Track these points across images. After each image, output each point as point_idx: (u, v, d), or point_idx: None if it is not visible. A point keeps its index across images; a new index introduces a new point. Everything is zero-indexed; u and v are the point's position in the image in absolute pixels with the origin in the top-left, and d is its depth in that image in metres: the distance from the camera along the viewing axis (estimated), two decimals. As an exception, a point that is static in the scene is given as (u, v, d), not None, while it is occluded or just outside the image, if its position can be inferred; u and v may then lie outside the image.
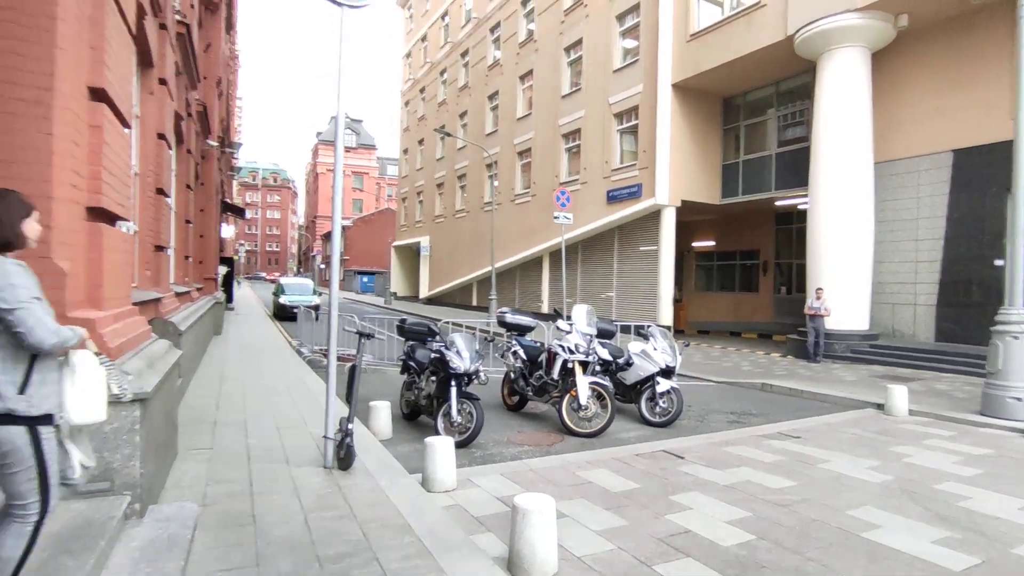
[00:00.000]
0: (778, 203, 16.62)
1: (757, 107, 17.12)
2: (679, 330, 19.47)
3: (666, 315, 16.98)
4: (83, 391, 2.30)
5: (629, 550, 3.57)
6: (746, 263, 19.97)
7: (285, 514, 3.81)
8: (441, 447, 4.62)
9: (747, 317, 19.35)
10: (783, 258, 18.64)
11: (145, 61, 6.38)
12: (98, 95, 3.89)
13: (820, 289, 12.57)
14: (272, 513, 3.82)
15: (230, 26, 23.28)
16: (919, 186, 13.03)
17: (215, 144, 16.58)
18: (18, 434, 2.06)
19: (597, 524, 3.97)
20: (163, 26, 7.64)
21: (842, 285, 12.72)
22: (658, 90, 17.00)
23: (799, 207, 15.42)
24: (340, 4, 4.98)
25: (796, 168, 14.96)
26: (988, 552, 3.61)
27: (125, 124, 4.58)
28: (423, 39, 36.57)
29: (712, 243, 20.68)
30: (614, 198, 18.87)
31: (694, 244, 21.22)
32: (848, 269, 12.72)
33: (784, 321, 17.33)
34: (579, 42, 21.10)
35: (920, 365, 11.35)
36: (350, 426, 4.83)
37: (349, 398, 5.03)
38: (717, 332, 19.50)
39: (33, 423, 2.10)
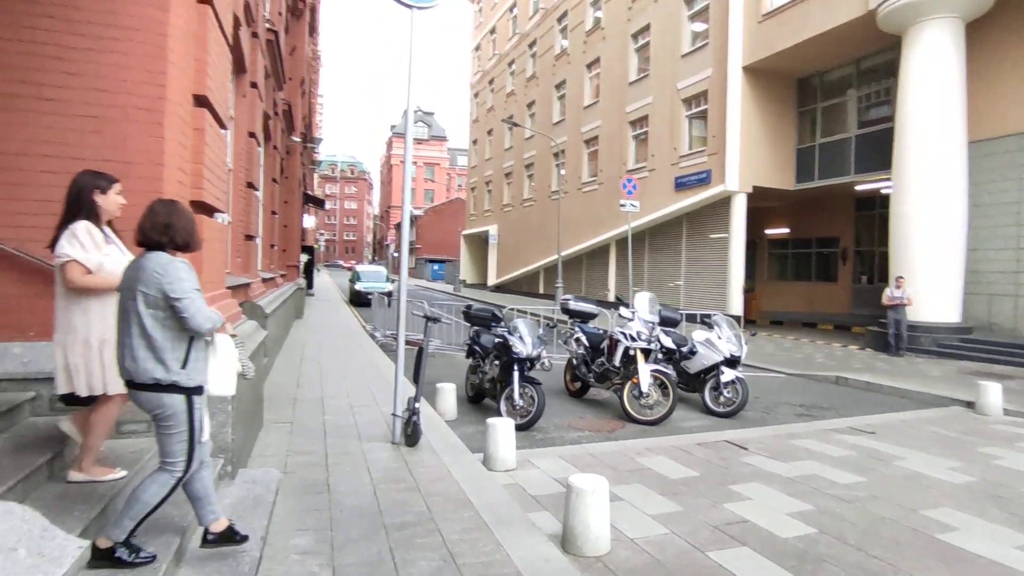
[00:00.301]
0: (858, 187, 15.73)
1: (835, 87, 16.22)
2: (751, 320, 18.86)
3: (736, 304, 16.50)
4: (222, 368, 2.68)
5: (683, 535, 3.63)
6: (823, 251, 19.01)
7: (356, 485, 4.12)
8: (502, 428, 4.81)
9: (823, 308, 18.46)
10: (864, 245, 17.63)
11: (239, 67, 6.90)
12: (201, 101, 4.30)
13: (901, 278, 11.85)
14: (344, 483, 4.13)
15: (313, 29, 24.37)
16: (1021, 166, 12.00)
17: (298, 140, 17.50)
18: (179, 401, 2.44)
19: (652, 509, 4.04)
20: (255, 35, 8.19)
21: (929, 274, 11.94)
22: (728, 74, 16.43)
23: (882, 191, 14.53)
24: (409, 6, 5.20)
25: (879, 150, 14.10)
26: (1075, 558, 3.42)
27: (222, 126, 5.01)
28: (492, 31, 36.80)
29: (786, 230, 19.81)
30: (682, 185, 18.44)
31: (767, 231, 20.39)
32: (936, 257, 11.92)
33: (863, 312, 16.40)
34: (647, 28, 20.66)
35: (1020, 362, 10.52)
36: (417, 405, 5.11)
37: (416, 379, 5.31)
38: (791, 323, 18.73)
39: (190, 393, 2.48)
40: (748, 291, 18.89)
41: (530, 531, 3.47)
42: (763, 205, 18.86)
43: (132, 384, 2.45)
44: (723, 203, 17.01)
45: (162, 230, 2.48)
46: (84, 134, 3.60)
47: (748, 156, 16.35)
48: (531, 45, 30.67)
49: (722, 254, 17.07)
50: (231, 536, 2.75)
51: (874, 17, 12.89)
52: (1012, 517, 4.02)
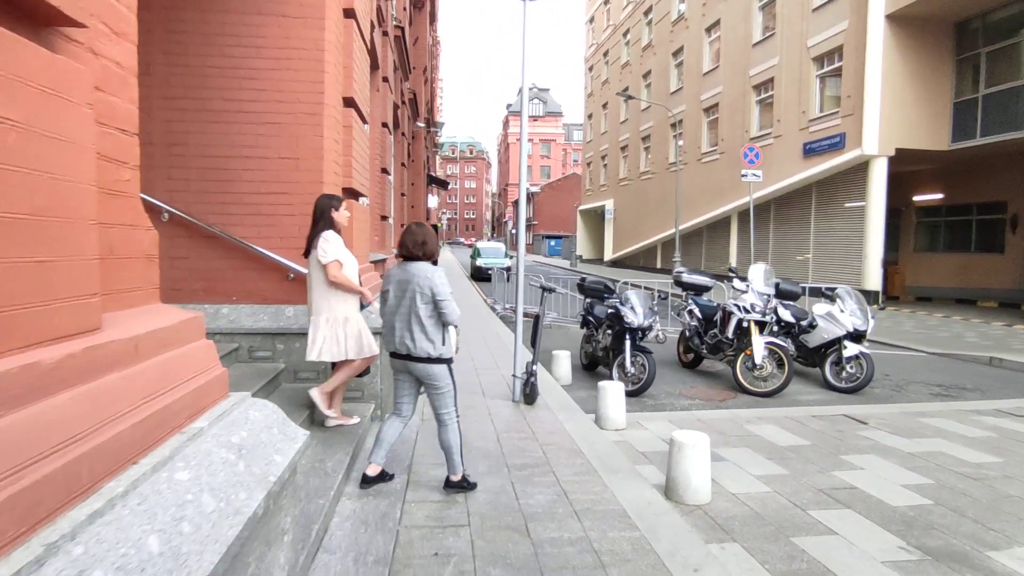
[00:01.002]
0: (1033, 144, 13.81)
1: (1004, 28, 14.19)
2: (893, 296, 17.41)
3: (873, 279, 15.30)
4: (454, 343, 3.61)
5: (785, 495, 3.80)
6: (986, 218, 16.90)
7: (482, 432, 4.70)
8: (612, 390, 5.17)
9: (984, 283, 16.49)
10: (1040, 211, 15.49)
11: (373, 65, 7.67)
12: (348, 103, 5.01)
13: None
14: (471, 431, 4.72)
15: (433, 18, 25.45)
16: None
17: (423, 126, 18.60)
18: (445, 370, 3.45)
19: (757, 470, 4.22)
20: (385, 33, 8.98)
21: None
22: (868, 24, 15.00)
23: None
24: (523, -3, 5.57)
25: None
26: None
27: (364, 121, 5.74)
28: (605, 2, 36.03)
29: (939, 196, 17.81)
30: (812, 151, 17.25)
31: (915, 198, 18.49)
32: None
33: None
34: (775, -19, 19.32)
35: None
36: (534, 368, 5.61)
37: (534, 344, 5.80)
38: (942, 299, 17.01)
39: (449, 363, 3.48)
40: (891, 264, 17.41)
41: (636, 479, 3.83)
42: (909, 168, 17.15)
43: (409, 357, 3.41)
44: (859, 169, 15.73)
45: (420, 246, 3.43)
46: (269, 137, 4.39)
47: (890, 115, 14.94)
48: (646, 12, 29.72)
49: (858, 224, 15.85)
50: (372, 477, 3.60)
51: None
52: None
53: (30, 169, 1.09)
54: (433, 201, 29.77)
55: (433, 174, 30.31)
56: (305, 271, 4.26)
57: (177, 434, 1.48)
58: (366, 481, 3.52)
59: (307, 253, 3.90)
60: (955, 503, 3.69)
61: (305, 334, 4.11)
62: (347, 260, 3.90)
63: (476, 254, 26.95)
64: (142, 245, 1.69)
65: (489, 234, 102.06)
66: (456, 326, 3.57)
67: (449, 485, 3.58)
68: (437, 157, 50.06)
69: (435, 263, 3.52)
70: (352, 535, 2.96)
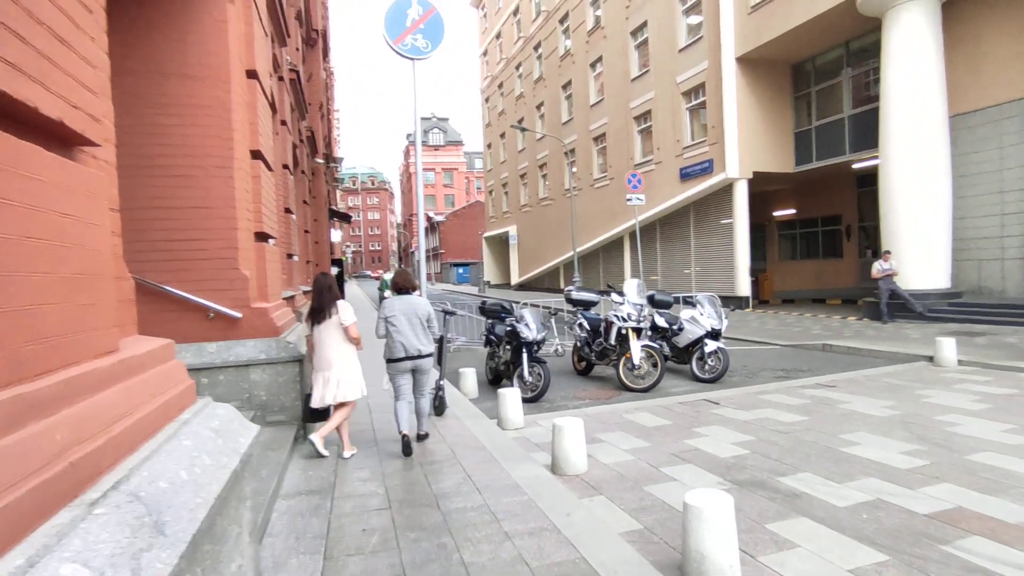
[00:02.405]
0: (855, 166, 16.42)
1: (828, 70, 16.94)
2: (764, 300, 19.67)
3: (744, 286, 17.37)
4: None
5: (645, 460, 4.77)
6: (829, 229, 19.69)
7: (396, 440, 5.36)
8: (510, 395, 6.01)
9: (832, 284, 19.16)
10: (867, 220, 18.23)
11: (271, 110, 8.21)
12: (256, 155, 5.59)
13: (887, 252, 12.70)
14: (387, 440, 5.38)
15: (325, 53, 25.82)
16: (1002, 136, 12.68)
17: (322, 162, 18.92)
18: (434, 360, 5.26)
19: (626, 445, 5.19)
20: (280, 78, 9.51)
21: (918, 244, 12.72)
22: (723, 65, 17.29)
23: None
24: (411, 58, 6.42)
25: (873, 129, 14.82)
26: (940, 458, 4.46)
27: (270, 169, 6.31)
28: (497, 36, 37.97)
29: (793, 211, 20.53)
30: (687, 175, 19.35)
31: (775, 214, 21.14)
32: (924, 227, 12.68)
33: (870, 285, 17.07)
34: (644, 25, 21.58)
35: (1004, 321, 11.26)
36: (441, 383, 6.34)
37: (439, 361, 6.53)
38: (802, 300, 19.48)
39: (435, 355, 5.41)
40: (760, 272, 19.71)
41: (528, 462, 4.66)
42: (768, 189, 19.64)
43: (420, 356, 5.10)
44: (726, 190, 17.89)
45: (411, 283, 5.39)
46: (181, 188, 4.88)
47: (747, 143, 17.20)
48: (536, 47, 31.75)
49: (728, 239, 17.95)
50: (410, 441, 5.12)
51: (854, 3, 13.67)
52: (909, 435, 5.06)
53: (77, 244, 1.73)
54: (336, 235, 29.73)
55: (335, 208, 30.33)
56: (227, 310, 4.80)
57: (175, 421, 2.10)
58: (409, 446, 4.97)
59: (321, 320, 4.89)
60: (765, 450, 4.82)
61: (228, 367, 4.66)
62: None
63: (384, 286, 27.19)
64: (127, 291, 2.30)
65: (396, 265, 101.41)
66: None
67: (420, 438, 5.29)
68: (338, 191, 49.66)
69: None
70: (291, 520, 3.56)
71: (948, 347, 8.05)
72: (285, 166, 9.53)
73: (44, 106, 1.53)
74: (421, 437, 5.33)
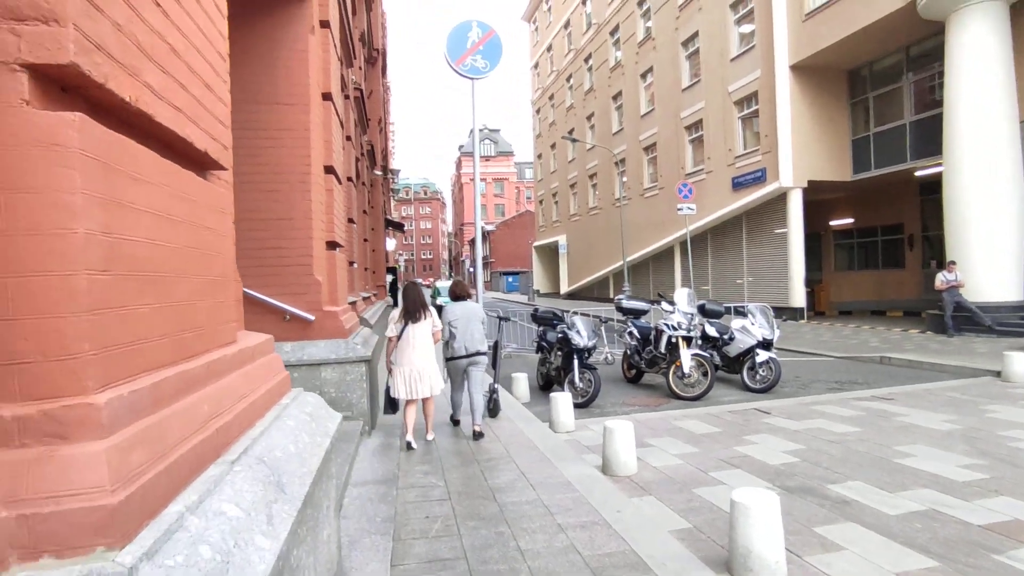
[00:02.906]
0: (918, 173, 15.89)
1: (887, 76, 16.49)
2: (820, 312, 19.19)
3: (799, 297, 17.01)
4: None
5: (694, 464, 4.90)
6: (890, 238, 19.03)
7: (453, 439, 5.67)
8: (562, 399, 6.23)
9: (893, 295, 18.48)
10: (931, 230, 17.54)
11: (341, 127, 8.75)
12: (329, 170, 6.04)
13: (952, 263, 12.25)
14: (445, 439, 5.69)
15: (384, 69, 26.82)
16: (1078, 143, 12.09)
17: (380, 174, 19.66)
18: (488, 356, 6.11)
19: (675, 450, 5.32)
20: (347, 97, 10.10)
21: (986, 255, 12.23)
22: (776, 73, 17.09)
23: (943, 176, 14.74)
24: (470, 77, 6.79)
25: (936, 135, 14.36)
26: (1001, 472, 4.41)
27: (340, 183, 6.78)
28: (548, 49, 38.43)
29: (850, 220, 19.93)
30: (739, 184, 19.13)
31: (831, 223, 20.58)
32: (992, 237, 12.18)
33: (934, 297, 16.43)
34: (695, 35, 21.52)
35: (1081, 335, 10.71)
36: (495, 386, 6.62)
37: (495, 366, 6.82)
38: (860, 312, 18.87)
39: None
40: (816, 283, 19.24)
41: (579, 462, 4.87)
42: (824, 197, 19.19)
43: (476, 353, 5.88)
44: (780, 199, 17.60)
45: (466, 291, 6.24)
46: (268, 202, 5.36)
47: (801, 152, 16.91)
48: (587, 59, 32.01)
49: (782, 249, 17.63)
50: (481, 434, 5.77)
51: (915, 7, 13.34)
52: (971, 449, 4.99)
53: (217, 252, 2.08)
54: (391, 244, 30.70)
55: (390, 217, 31.29)
56: (303, 313, 5.24)
57: (277, 405, 2.44)
58: (458, 422, 6.24)
59: (416, 320, 5.60)
60: (816, 459, 4.87)
61: (302, 365, 5.12)
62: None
63: (436, 293, 27.86)
64: (239, 292, 2.67)
65: (447, 273, 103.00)
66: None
67: (476, 436, 5.65)
68: (392, 200, 51.07)
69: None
70: (361, 505, 3.89)
71: (1018, 361, 7.78)
72: (349, 179, 10.09)
73: (197, 141, 1.89)
74: (477, 435, 5.68)
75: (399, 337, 5.60)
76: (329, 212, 6.12)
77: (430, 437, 5.73)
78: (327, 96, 6.18)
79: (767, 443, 5.43)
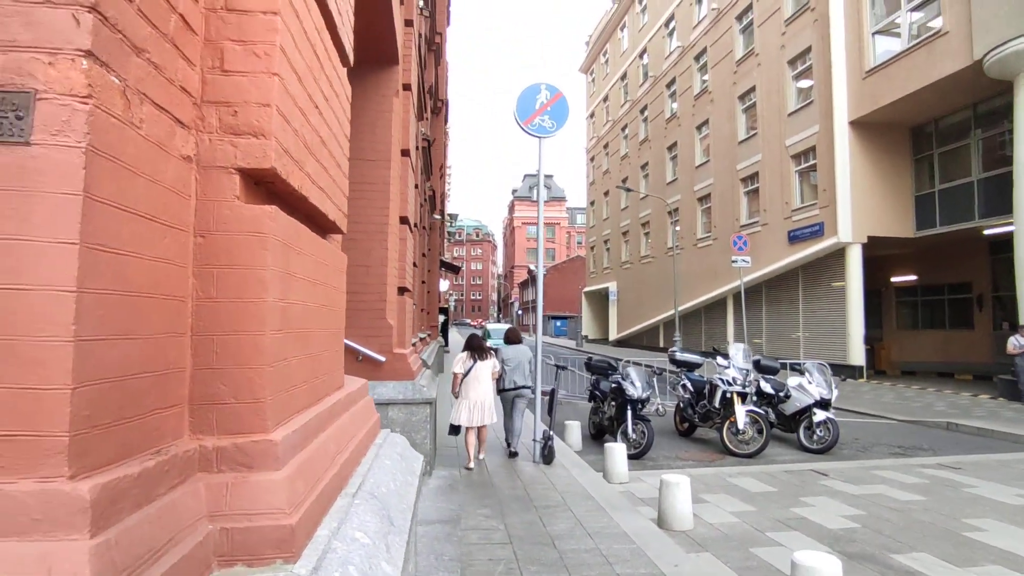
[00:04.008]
0: (987, 231, 15.39)
1: (953, 133, 16.22)
2: (880, 371, 18.49)
3: (857, 355, 16.48)
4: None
5: (750, 523, 4.91)
6: (957, 297, 18.30)
7: (511, 484, 5.83)
8: (617, 449, 6.33)
9: (960, 357, 17.65)
10: (1003, 290, 16.83)
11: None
12: (403, 220, 6.50)
13: (1023, 326, 11.75)
14: (503, 484, 5.86)
15: (445, 118, 28.10)
16: None
17: (439, 218, 20.41)
18: (529, 392, 7.10)
19: (731, 508, 5.33)
20: (416, 148, 10.76)
21: (1063, 320, 11.69)
22: (835, 129, 17.06)
23: (1018, 235, 14.24)
24: (539, 136, 7.19)
25: (1006, 193, 13.98)
26: (1077, 551, 4.26)
27: (412, 232, 7.24)
28: (604, 99, 39.37)
29: (914, 277, 19.30)
30: (796, 238, 18.92)
31: (893, 279, 19.98)
32: (1070, 302, 11.67)
33: (1006, 361, 15.63)
34: (752, 90, 21.76)
35: None
36: (550, 433, 6.78)
37: (550, 412, 7.00)
38: (925, 373, 18.07)
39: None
40: (876, 341, 18.60)
41: (635, 514, 4.96)
42: (885, 253, 18.72)
43: (523, 387, 6.92)
44: (838, 254, 17.30)
45: (519, 337, 7.40)
46: (350, 251, 5.79)
47: (861, 207, 16.68)
48: (642, 111, 32.62)
49: (840, 305, 17.22)
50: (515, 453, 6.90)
51: (981, 66, 13.23)
52: (1046, 526, 4.81)
53: (338, 307, 2.42)
54: (444, 284, 31.45)
55: (444, 259, 32.15)
56: (375, 355, 5.59)
57: (374, 445, 2.73)
58: (512, 455, 6.97)
59: (482, 359, 6.72)
60: (877, 526, 4.80)
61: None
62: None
63: (487, 335, 28.26)
64: (343, 339, 3.02)
65: (495, 315, 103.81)
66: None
67: (511, 455, 6.84)
68: (445, 242, 52.43)
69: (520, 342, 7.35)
70: (429, 543, 4.10)
71: (1097, 436, 7.39)
72: (414, 225, 10.66)
73: (330, 213, 2.26)
74: (512, 454, 6.94)
75: (466, 374, 6.61)
76: (402, 259, 6.54)
77: (482, 456, 6.81)
78: (405, 152, 6.69)
79: (825, 506, 5.36)
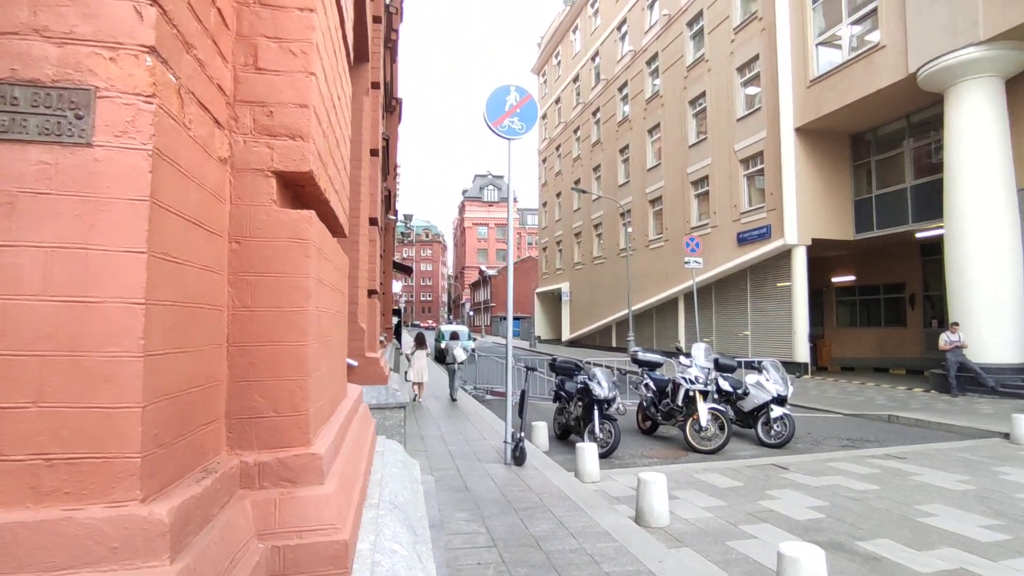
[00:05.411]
0: (919, 235, 16.43)
1: (888, 141, 17.23)
2: (822, 367, 19.42)
3: (802, 351, 17.26)
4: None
5: (723, 518, 5.07)
6: (891, 297, 19.48)
7: (486, 487, 5.82)
8: (588, 449, 6.41)
9: (895, 353, 18.78)
10: (932, 290, 18.01)
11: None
12: (373, 221, 6.38)
13: (955, 324, 12.60)
14: (478, 487, 5.84)
15: (400, 117, 27.67)
16: (1074, 212, 12.61)
17: (393, 218, 20.11)
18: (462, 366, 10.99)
19: (702, 503, 5.49)
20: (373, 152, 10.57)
21: (988, 316, 12.58)
22: (781, 135, 17.82)
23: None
24: (507, 138, 7.20)
25: (936, 198, 14.96)
26: (1022, 533, 4.60)
27: (380, 232, 7.11)
28: (557, 101, 39.76)
29: (852, 278, 20.41)
30: (744, 240, 19.64)
31: (833, 280, 21.05)
32: (994, 299, 12.56)
33: (937, 356, 16.74)
34: (703, 95, 22.45)
35: (1083, 399, 10.96)
36: (522, 434, 6.80)
37: (521, 414, 7.01)
38: (863, 369, 19.11)
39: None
40: (818, 338, 19.53)
41: (613, 512, 5.03)
42: (826, 255, 19.69)
43: (456, 362, 13.04)
44: (784, 255, 18.07)
45: (456, 336, 13.90)
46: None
47: (805, 210, 17.48)
48: (595, 113, 33.12)
49: (786, 304, 17.99)
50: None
51: (915, 79, 14.08)
52: (988, 510, 5.18)
53: (343, 311, 2.36)
54: (397, 286, 31.02)
55: (397, 260, 31.71)
56: (349, 360, 5.46)
57: (378, 453, 2.67)
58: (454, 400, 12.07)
59: (421, 348, 12.35)
60: (840, 515, 5.05)
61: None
62: None
63: (440, 337, 27.99)
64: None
65: (446, 316, 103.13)
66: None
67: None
68: (394, 242, 51.72)
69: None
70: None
71: (1024, 425, 8.00)
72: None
73: (340, 216, 2.20)
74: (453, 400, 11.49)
75: (412, 354, 12.15)
76: (372, 261, 6.43)
77: (421, 399, 11.97)
78: (374, 152, 6.59)
79: (791, 498, 5.60)
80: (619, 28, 30.07)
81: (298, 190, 1.66)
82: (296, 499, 1.39)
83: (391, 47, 17.03)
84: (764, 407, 8.47)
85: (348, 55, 2.40)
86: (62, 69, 1.01)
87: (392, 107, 21.14)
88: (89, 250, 0.98)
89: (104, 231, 0.99)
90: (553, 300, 41.69)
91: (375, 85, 6.52)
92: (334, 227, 2.19)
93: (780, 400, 8.39)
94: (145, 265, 1.01)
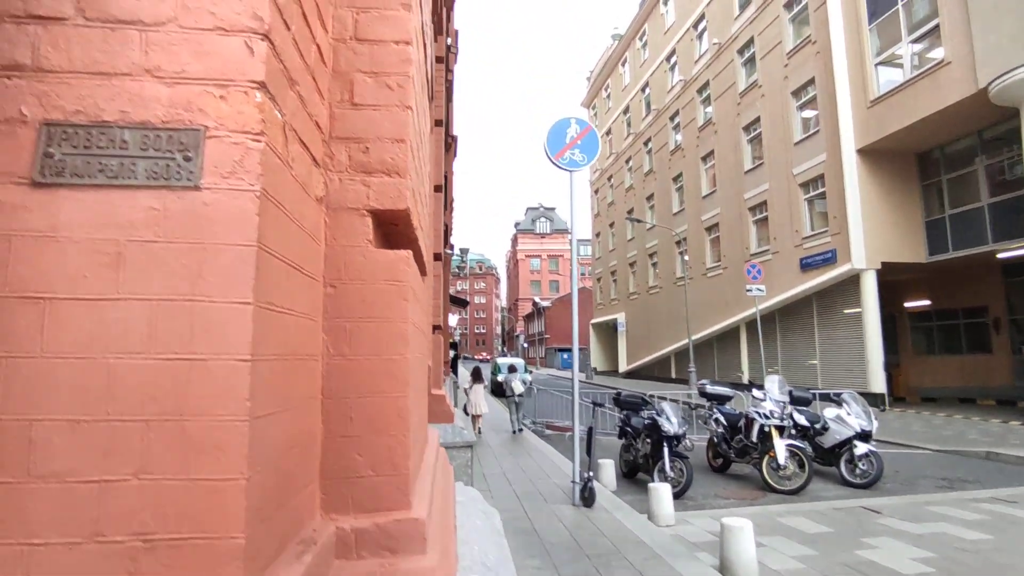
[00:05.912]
0: (1001, 255, 15.30)
1: (959, 158, 16.29)
2: (899, 398, 18.18)
3: (877, 381, 16.21)
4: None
5: (818, 570, 4.64)
6: (972, 321, 18.12)
7: (555, 529, 5.56)
8: (663, 490, 6.07)
9: (981, 381, 17.37)
10: (1019, 313, 16.69)
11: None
12: (437, 257, 6.38)
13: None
14: (546, 529, 5.58)
15: (455, 154, 28.26)
16: None
17: (450, 252, 20.33)
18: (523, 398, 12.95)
19: (792, 552, 5.06)
20: (437, 187, 10.71)
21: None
22: (843, 157, 17.14)
23: (1032, 258, 14.17)
24: (569, 170, 7.12)
25: (1019, 216, 13.98)
26: None
27: (445, 266, 7.10)
28: (608, 133, 39.81)
29: (927, 302, 19.15)
30: (808, 265, 18.83)
31: (906, 304, 19.82)
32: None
33: (1031, 385, 15.42)
34: (757, 120, 21.97)
35: None
36: (590, 474, 6.51)
37: (589, 452, 6.74)
38: (945, 399, 17.77)
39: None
40: (892, 367, 18.34)
41: (695, 560, 4.69)
42: (898, 278, 18.62)
43: (517, 394, 13.15)
44: (852, 280, 17.18)
45: (513, 369, 14.01)
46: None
47: (872, 233, 16.64)
48: (646, 143, 32.93)
49: (857, 331, 17.02)
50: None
51: (986, 94, 13.32)
52: None
53: (428, 355, 2.27)
54: (453, 319, 31.26)
55: (452, 294, 32.02)
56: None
57: (459, 503, 2.54)
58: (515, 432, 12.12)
59: (480, 381, 12.59)
60: (953, 570, 4.53)
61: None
62: None
63: (496, 370, 27.85)
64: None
65: (500, 348, 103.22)
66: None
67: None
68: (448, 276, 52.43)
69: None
70: None
71: None
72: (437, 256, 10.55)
73: (426, 255, 2.11)
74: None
75: (470, 389, 12.35)
76: (436, 297, 6.39)
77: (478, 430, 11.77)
78: (438, 188, 6.61)
79: (891, 548, 5.10)
80: (668, 59, 30.03)
81: (390, 229, 1.57)
82: (398, 572, 1.25)
83: (447, 86, 17.48)
84: (847, 443, 7.89)
85: (430, 91, 2.34)
86: (172, 109, 0.95)
87: (448, 144, 21.61)
88: (195, 302, 0.90)
89: (210, 281, 0.91)
90: (608, 331, 41.03)
91: (438, 123, 6.60)
92: (421, 267, 2.11)
93: (864, 436, 7.80)
94: (251, 317, 0.91)
